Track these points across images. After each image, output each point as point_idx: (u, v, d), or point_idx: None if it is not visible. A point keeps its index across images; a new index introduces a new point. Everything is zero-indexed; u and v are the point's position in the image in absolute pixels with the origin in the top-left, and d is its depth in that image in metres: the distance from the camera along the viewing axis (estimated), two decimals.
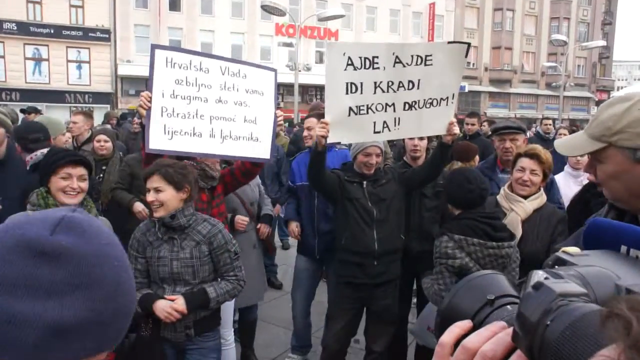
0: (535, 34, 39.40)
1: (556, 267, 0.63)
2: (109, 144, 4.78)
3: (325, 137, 3.00)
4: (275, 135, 3.33)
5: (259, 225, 3.93)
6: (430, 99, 3.13)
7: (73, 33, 25.59)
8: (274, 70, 3.39)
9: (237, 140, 3.10)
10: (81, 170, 2.43)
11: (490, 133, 8.67)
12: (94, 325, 0.66)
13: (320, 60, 31.27)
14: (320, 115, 3.89)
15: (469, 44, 3.14)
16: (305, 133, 4.15)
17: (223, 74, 3.05)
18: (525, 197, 2.91)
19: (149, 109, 2.81)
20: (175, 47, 3.10)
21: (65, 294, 0.63)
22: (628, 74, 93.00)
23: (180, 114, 2.89)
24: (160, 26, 27.27)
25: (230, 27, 29.41)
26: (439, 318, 0.71)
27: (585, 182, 4.21)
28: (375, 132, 3.13)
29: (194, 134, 2.93)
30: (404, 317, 3.70)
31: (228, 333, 3.43)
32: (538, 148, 3.07)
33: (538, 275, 0.56)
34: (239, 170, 3.34)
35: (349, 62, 2.95)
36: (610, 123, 1.26)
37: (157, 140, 2.82)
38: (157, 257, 2.56)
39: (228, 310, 3.34)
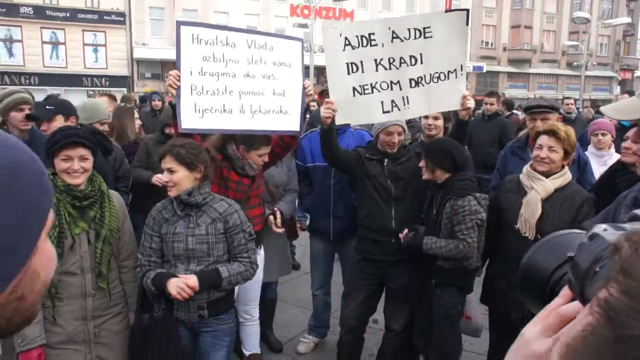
0: (557, 11, 38.37)
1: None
2: None
3: (330, 118, 3.02)
4: (305, 106, 3.28)
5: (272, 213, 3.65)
6: (437, 72, 3.06)
7: (89, 16, 25.68)
8: (301, 40, 3.33)
9: (267, 114, 3.07)
10: (81, 151, 2.41)
11: (507, 114, 8.59)
12: None
13: None
14: None
15: (467, 10, 3.05)
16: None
17: (249, 48, 3.01)
18: (548, 176, 2.85)
19: (178, 88, 2.78)
20: (201, 22, 3.04)
21: None
22: None
23: (209, 91, 2.87)
24: (174, 8, 27.18)
25: (244, 9, 29.19)
26: (520, 272, 0.73)
27: (610, 161, 4.15)
28: (384, 112, 3.12)
29: (224, 111, 2.91)
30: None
31: (254, 309, 3.46)
32: (557, 125, 3.01)
33: (598, 227, 0.56)
34: (279, 147, 3.31)
35: (347, 42, 2.97)
36: None
37: (189, 120, 2.80)
38: (172, 232, 2.57)
39: (255, 287, 3.36)
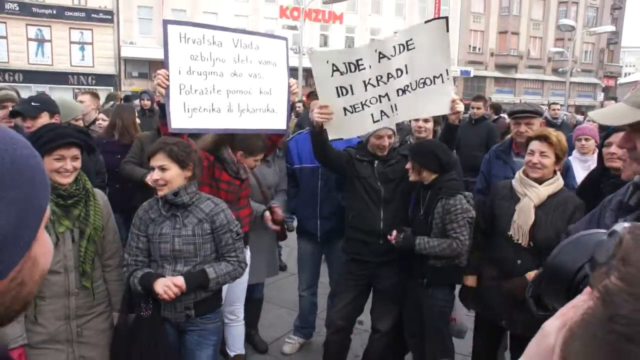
0: (543, 18, 38.89)
1: None
2: (107, 123, 4.80)
3: (323, 121, 3.09)
4: (290, 105, 3.31)
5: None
6: (422, 78, 3.10)
7: (76, 14, 25.39)
8: (285, 38, 3.35)
9: (254, 113, 3.08)
10: (74, 151, 2.39)
11: (495, 118, 8.69)
12: None
13: (324, 43, 31.03)
14: None
15: (446, 18, 3.09)
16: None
17: (236, 47, 3.02)
18: (540, 182, 2.85)
19: (167, 87, 2.77)
20: (187, 21, 3.03)
21: None
22: (637, 60, 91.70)
23: (197, 91, 2.86)
24: (163, 7, 27.01)
25: (233, 10, 29.11)
26: (545, 271, 0.77)
27: (593, 166, 4.21)
28: (374, 122, 3.17)
29: (212, 110, 2.91)
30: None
31: (239, 310, 3.45)
32: (548, 130, 3.02)
33: (618, 225, 0.58)
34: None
35: (335, 69, 3.03)
36: None
37: (179, 119, 2.78)
38: (159, 234, 2.55)
39: (241, 287, 3.35)
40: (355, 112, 3.13)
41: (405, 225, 3.21)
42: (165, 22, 2.82)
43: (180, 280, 2.45)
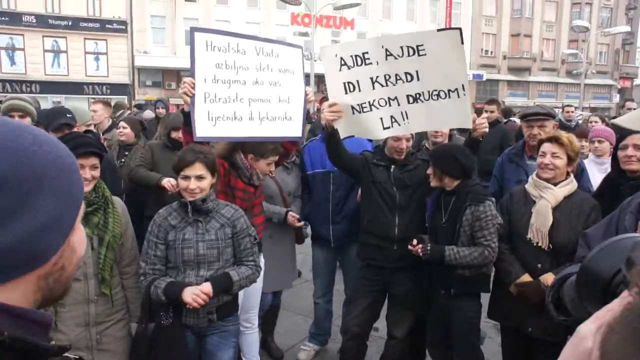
0: (556, 20, 38.57)
1: None
2: (128, 130, 4.85)
3: (334, 120, 3.11)
4: (306, 112, 3.33)
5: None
6: (436, 90, 3.08)
7: (90, 25, 25.81)
8: (300, 47, 3.38)
9: (274, 121, 3.11)
10: (93, 160, 2.43)
11: (504, 121, 8.62)
12: None
13: None
14: None
15: (460, 29, 3.06)
16: None
17: (258, 55, 3.05)
18: (555, 184, 2.84)
19: (192, 96, 2.77)
20: (214, 29, 3.05)
21: None
22: None
23: (221, 99, 2.88)
24: (176, 17, 27.34)
25: (245, 17, 29.35)
26: (580, 276, 0.79)
27: (610, 168, 4.17)
28: (385, 128, 3.17)
29: (235, 119, 2.93)
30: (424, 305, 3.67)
31: (254, 317, 3.46)
32: (559, 132, 3.02)
33: None
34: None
35: (342, 63, 3.06)
36: None
37: (203, 128, 2.80)
38: (181, 239, 2.56)
39: (255, 295, 3.36)
40: (363, 112, 3.12)
41: (421, 231, 3.19)
42: (193, 30, 2.83)
43: (208, 288, 2.48)
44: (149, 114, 8.26)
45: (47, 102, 18.80)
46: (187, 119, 2.82)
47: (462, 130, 4.11)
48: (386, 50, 3.03)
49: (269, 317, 3.94)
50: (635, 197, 1.62)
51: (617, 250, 0.73)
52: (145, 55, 26.96)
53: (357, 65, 3.04)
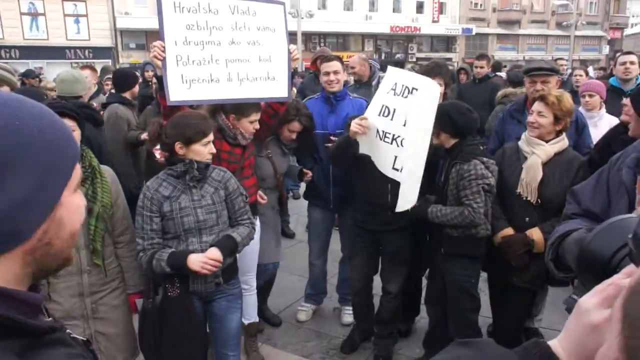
0: None
1: None
2: None
3: (359, 134, 3.06)
4: (292, 71, 3.25)
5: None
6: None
7: None
8: (282, 3, 3.26)
9: (255, 82, 3.04)
10: (69, 122, 2.34)
11: (492, 75, 8.55)
12: None
13: (322, 6, 30.37)
14: (341, 59, 3.85)
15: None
16: (332, 77, 3.71)
17: (233, 14, 2.96)
18: (547, 142, 2.88)
19: (163, 59, 2.73)
20: None
21: None
22: None
23: (195, 61, 2.82)
24: None
25: None
26: (580, 256, 0.79)
27: (600, 122, 4.18)
28: (393, 169, 3.09)
29: (211, 80, 2.87)
30: (418, 261, 3.74)
31: (252, 279, 3.50)
32: (550, 91, 3.01)
33: None
34: (267, 114, 3.29)
35: (393, 87, 3.00)
36: None
37: (177, 92, 2.75)
38: (178, 208, 2.52)
39: (252, 257, 3.39)
40: (384, 141, 3.07)
41: (429, 193, 3.15)
42: None
43: (216, 253, 2.46)
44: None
45: (28, 67, 18.26)
46: (161, 83, 2.78)
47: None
48: (403, 86, 2.98)
49: (264, 285, 3.95)
50: (628, 151, 1.63)
51: (615, 232, 0.74)
52: (127, 16, 26.14)
53: (403, 96, 2.96)
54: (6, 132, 0.67)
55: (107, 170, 2.59)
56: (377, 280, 3.65)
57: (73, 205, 0.77)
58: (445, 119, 2.94)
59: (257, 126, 3.19)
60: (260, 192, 3.51)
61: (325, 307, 4.32)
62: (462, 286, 3.05)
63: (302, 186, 4.34)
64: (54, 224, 0.74)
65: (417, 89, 2.93)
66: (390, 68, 3.14)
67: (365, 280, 3.57)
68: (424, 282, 3.73)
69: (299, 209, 6.31)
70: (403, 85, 2.97)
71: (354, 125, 3.07)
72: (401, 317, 3.74)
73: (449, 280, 3.10)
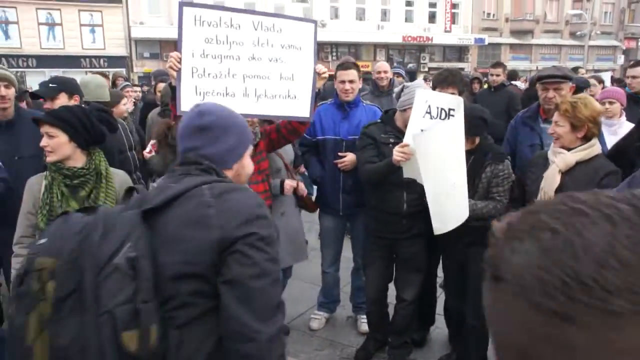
0: None
1: None
2: None
3: (402, 161, 3.01)
4: (316, 92, 3.17)
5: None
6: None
7: None
8: (314, 22, 3.24)
9: (273, 99, 3.01)
10: (47, 128, 2.34)
11: (507, 84, 8.50)
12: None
13: (335, 16, 30.47)
14: (357, 66, 3.83)
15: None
16: (348, 86, 3.72)
17: (256, 30, 2.94)
18: (570, 150, 2.80)
19: (179, 70, 2.75)
20: (204, 4, 2.96)
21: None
22: None
23: (211, 74, 2.82)
24: None
25: None
26: None
27: (621, 130, 4.10)
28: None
29: (226, 94, 2.87)
30: (433, 270, 3.69)
31: None
32: (565, 99, 2.96)
33: None
34: (285, 129, 3.26)
35: (428, 110, 2.96)
36: None
37: (189, 102, 2.74)
38: None
39: None
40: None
41: None
42: (181, 4, 2.77)
43: None
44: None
45: (45, 76, 18.56)
46: (174, 93, 2.80)
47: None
48: (429, 107, 2.98)
49: None
50: None
51: None
52: (142, 26, 26.46)
53: (436, 118, 2.96)
54: (230, 116, 1.64)
55: (117, 175, 2.57)
56: (391, 289, 3.61)
57: (247, 160, 1.70)
58: (479, 124, 3.05)
59: (257, 126, 3.18)
60: (288, 181, 3.51)
61: (339, 316, 4.27)
62: (483, 268, 3.05)
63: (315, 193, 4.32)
64: (239, 166, 1.66)
65: (453, 109, 2.91)
66: (418, 90, 3.10)
67: (381, 289, 3.54)
68: (439, 291, 3.68)
69: (311, 217, 6.28)
70: (438, 108, 2.94)
71: (397, 154, 3.01)
72: (416, 326, 3.69)
73: (472, 270, 3.11)
